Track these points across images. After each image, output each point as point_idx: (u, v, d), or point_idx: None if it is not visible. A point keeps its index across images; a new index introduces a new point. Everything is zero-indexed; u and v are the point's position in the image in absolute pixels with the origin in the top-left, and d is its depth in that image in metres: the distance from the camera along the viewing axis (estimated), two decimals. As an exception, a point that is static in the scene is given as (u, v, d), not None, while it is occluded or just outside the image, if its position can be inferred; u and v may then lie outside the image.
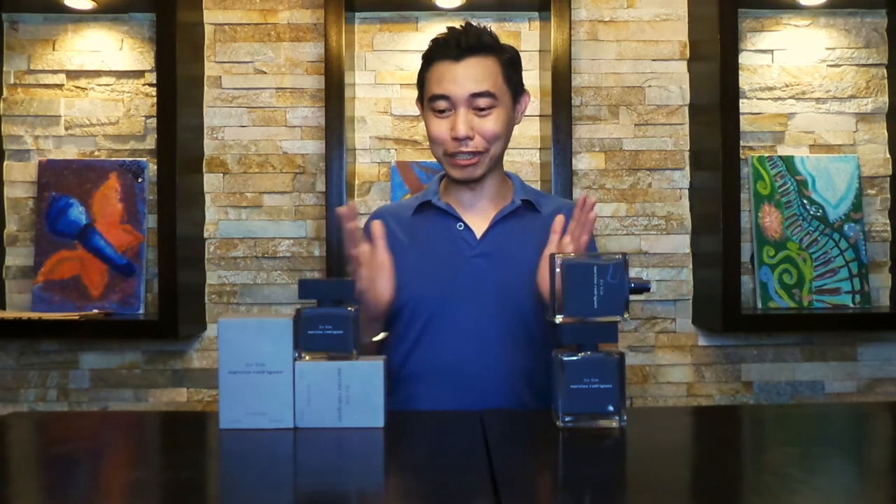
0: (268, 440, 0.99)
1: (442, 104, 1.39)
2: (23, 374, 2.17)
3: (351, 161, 2.14)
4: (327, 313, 1.06)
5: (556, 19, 2.05)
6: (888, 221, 2.22)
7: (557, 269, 1.03)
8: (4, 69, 2.19)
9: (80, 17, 2.18)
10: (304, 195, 2.19)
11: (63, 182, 2.14)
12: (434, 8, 2.16)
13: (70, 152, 2.19)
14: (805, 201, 2.17)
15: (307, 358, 1.05)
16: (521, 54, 1.48)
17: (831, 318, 2.07)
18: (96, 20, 2.19)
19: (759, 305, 2.14)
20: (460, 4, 2.14)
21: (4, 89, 2.19)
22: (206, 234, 2.18)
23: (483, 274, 1.41)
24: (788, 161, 2.18)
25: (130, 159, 2.16)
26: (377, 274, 1.32)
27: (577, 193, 2.17)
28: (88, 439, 1.06)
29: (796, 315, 2.07)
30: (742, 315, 2.00)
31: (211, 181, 2.19)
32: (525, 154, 2.20)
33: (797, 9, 2.20)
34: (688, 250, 2.21)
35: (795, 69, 2.22)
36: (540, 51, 2.18)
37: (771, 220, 2.16)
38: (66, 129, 2.19)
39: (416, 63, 1.46)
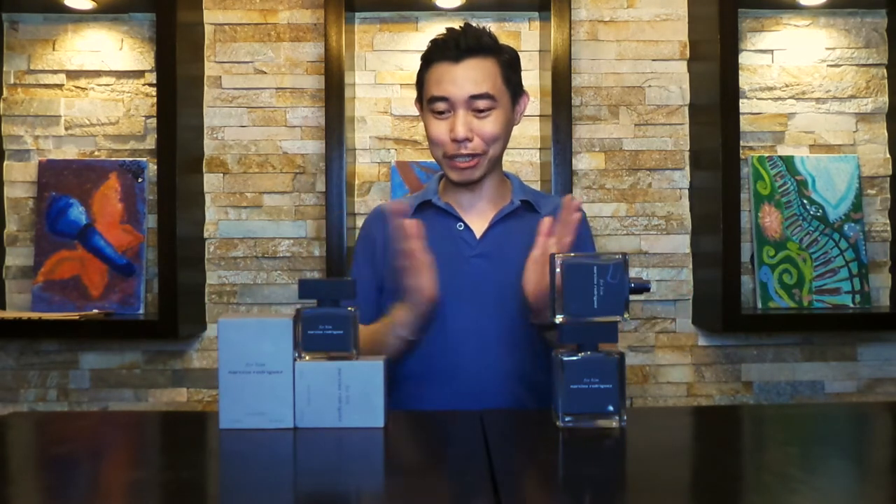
0: (268, 440, 0.99)
1: (441, 106, 1.38)
2: (23, 374, 2.17)
3: (351, 161, 2.14)
4: (327, 313, 1.06)
5: (555, 19, 2.05)
6: (888, 221, 2.22)
7: (557, 269, 1.03)
8: (4, 69, 2.19)
9: (80, 17, 2.18)
10: (304, 195, 2.19)
11: (63, 182, 2.14)
12: (434, 8, 2.16)
13: (70, 152, 2.19)
14: (805, 201, 2.17)
15: (307, 358, 1.05)
16: (521, 54, 1.48)
17: (831, 318, 2.07)
18: (96, 20, 2.19)
19: (759, 305, 2.14)
20: (460, 4, 2.14)
21: (4, 89, 2.19)
22: (206, 234, 2.18)
23: (483, 274, 1.41)
24: (788, 161, 2.18)
25: (130, 159, 2.16)
26: (421, 272, 1.29)
27: (577, 193, 2.17)
28: (88, 439, 1.06)
29: (796, 315, 2.07)
30: (742, 315, 2.00)
31: (211, 181, 2.19)
32: (525, 154, 2.20)
33: (797, 9, 2.20)
34: (688, 250, 2.21)
35: (795, 69, 2.22)
36: (540, 51, 2.18)
37: (771, 220, 2.16)
38: (66, 129, 2.19)
39: (416, 63, 1.46)
